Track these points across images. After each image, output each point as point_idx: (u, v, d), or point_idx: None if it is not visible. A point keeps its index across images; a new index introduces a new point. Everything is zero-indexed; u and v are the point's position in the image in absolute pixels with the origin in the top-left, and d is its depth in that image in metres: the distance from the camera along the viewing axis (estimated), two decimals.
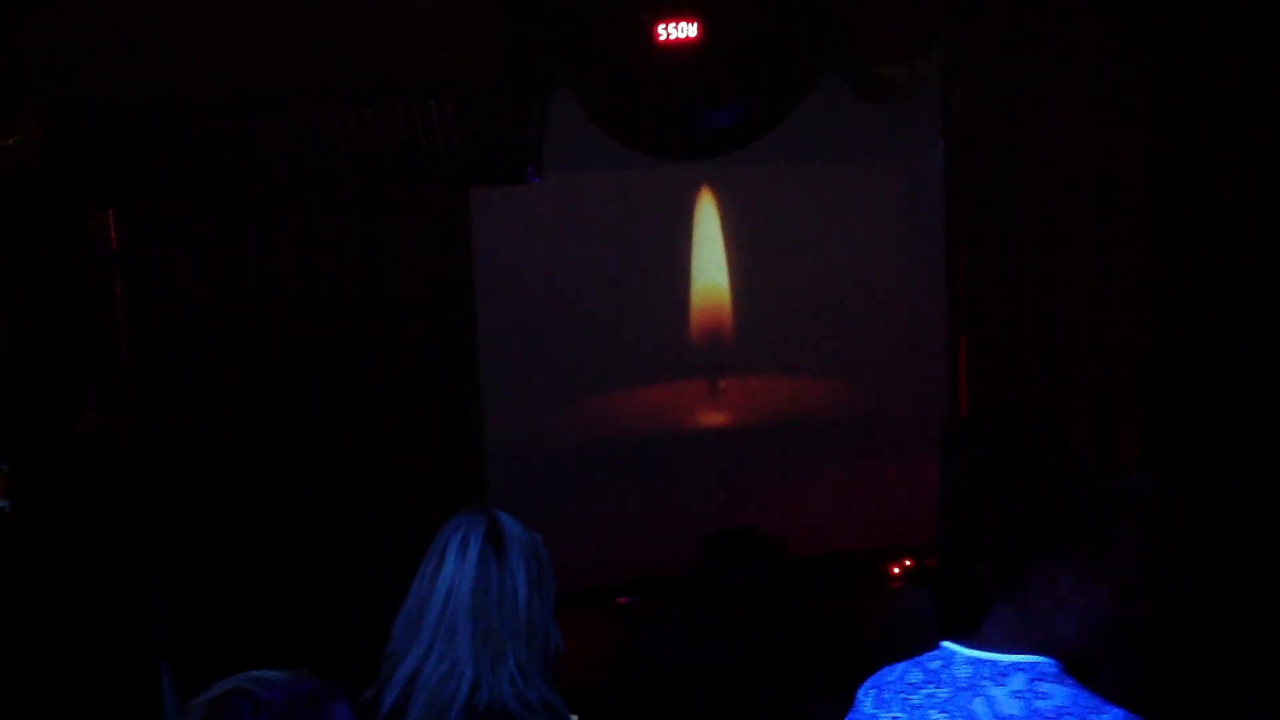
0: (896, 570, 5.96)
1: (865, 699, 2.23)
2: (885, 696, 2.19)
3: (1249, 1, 5.24)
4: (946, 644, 2.15)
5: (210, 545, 5.02)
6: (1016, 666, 2.06)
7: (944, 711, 2.09)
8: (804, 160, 5.81)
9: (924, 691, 2.13)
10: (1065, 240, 5.80)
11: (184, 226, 4.94)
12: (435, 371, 5.40)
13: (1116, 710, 1.99)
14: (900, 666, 2.21)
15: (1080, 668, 2.12)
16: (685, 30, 4.51)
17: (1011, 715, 2.02)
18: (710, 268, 5.88)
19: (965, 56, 5.51)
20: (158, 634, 4.64)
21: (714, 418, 6.08)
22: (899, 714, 2.15)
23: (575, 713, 2.55)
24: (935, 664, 2.15)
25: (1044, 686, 2.03)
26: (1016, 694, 2.03)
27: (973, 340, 6.02)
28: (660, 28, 4.51)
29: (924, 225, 6.07)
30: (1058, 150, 5.74)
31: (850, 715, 2.26)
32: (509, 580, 2.42)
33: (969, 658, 2.11)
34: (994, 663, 2.08)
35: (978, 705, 2.05)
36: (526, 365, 5.68)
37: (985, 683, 2.07)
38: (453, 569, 2.44)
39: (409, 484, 5.32)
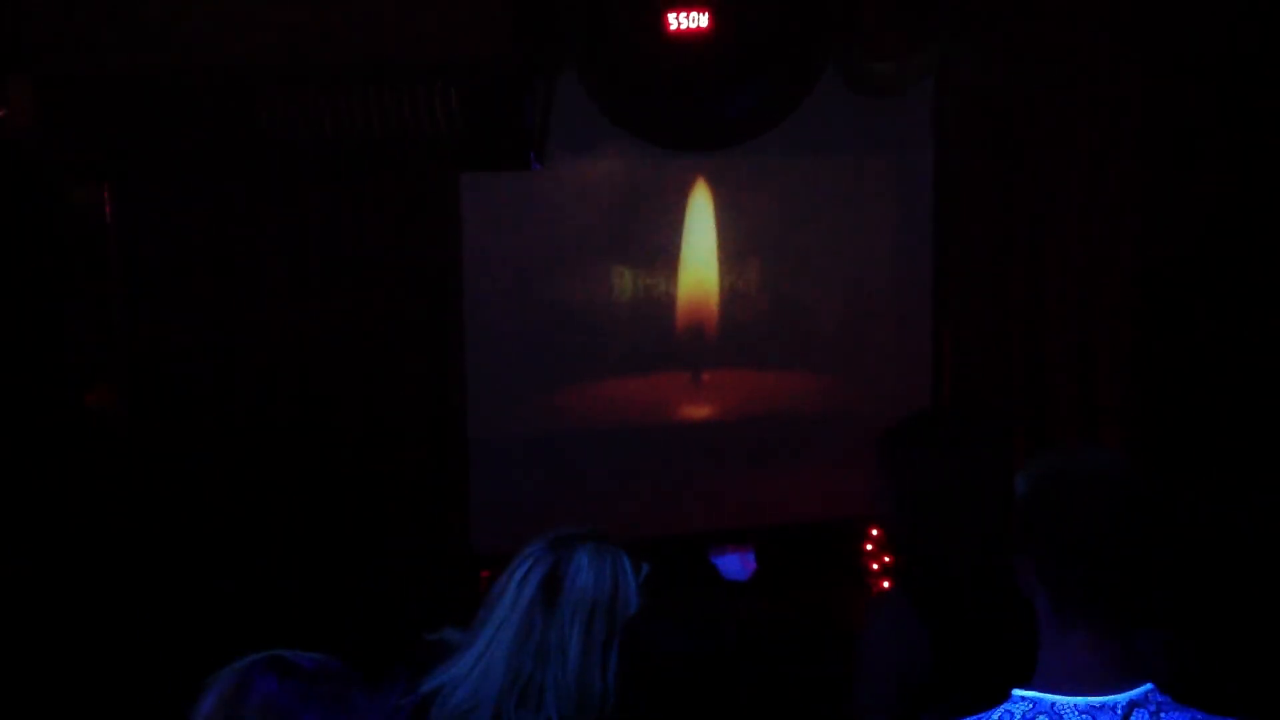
0: (876, 566, 5.99)
1: None
2: None
3: (1244, 7, 5.29)
4: (1029, 693, 1.87)
5: (197, 526, 4.96)
6: (1132, 702, 1.81)
7: None
8: (796, 154, 5.80)
9: None
10: (1053, 240, 5.84)
11: (179, 202, 4.87)
12: (421, 356, 5.36)
13: None
14: None
15: None
16: (697, 20, 4.49)
17: None
18: (698, 259, 5.87)
19: (959, 54, 5.54)
20: (149, 614, 4.60)
21: (696, 410, 6.06)
22: None
23: None
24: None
25: (1171, 717, 1.82)
26: None
27: (957, 337, 6.06)
28: (671, 17, 4.49)
29: (913, 222, 6.08)
30: (1047, 150, 5.77)
31: None
32: (555, 635, 2.30)
33: (1080, 705, 1.82)
34: (1111, 706, 1.81)
35: None
36: (510, 352, 5.64)
37: None
38: (507, 605, 2.34)
39: (390, 467, 5.29)
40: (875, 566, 5.99)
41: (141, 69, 4.32)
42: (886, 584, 5.72)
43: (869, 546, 6.02)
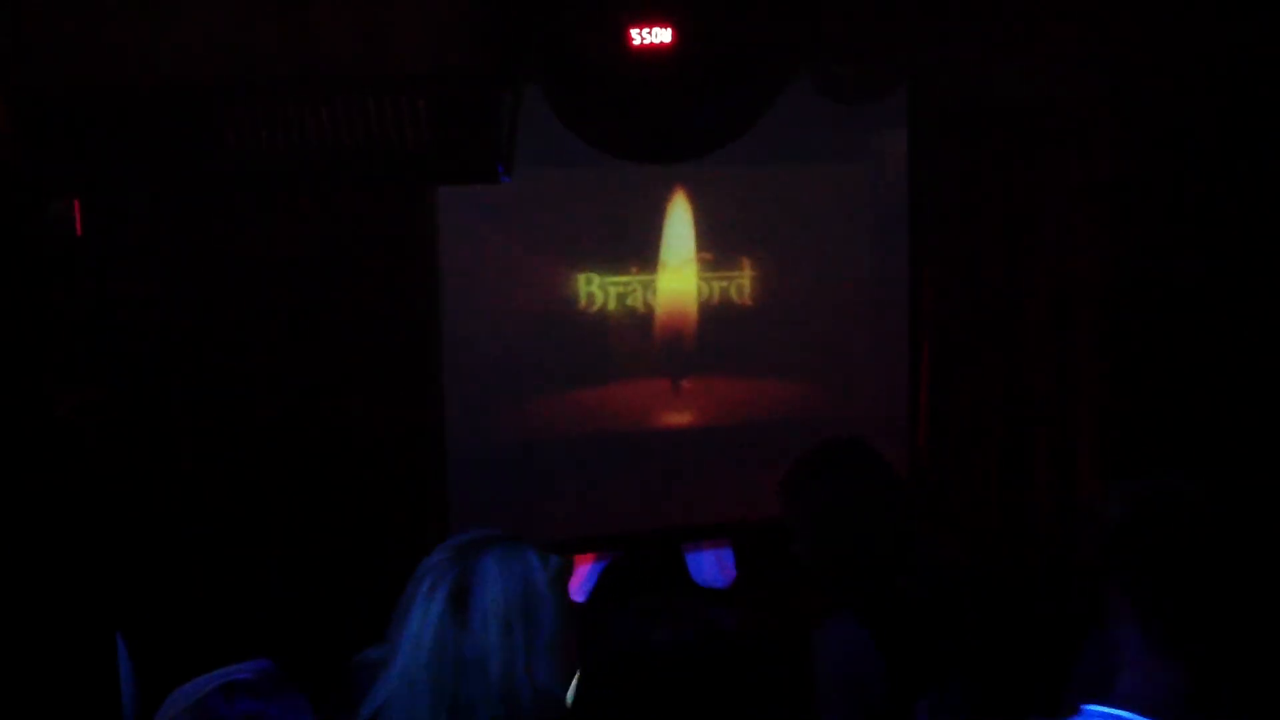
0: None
1: None
2: None
3: (1214, 10, 5.29)
4: (1107, 709, 1.84)
5: (170, 539, 4.99)
6: None
7: None
8: (773, 163, 5.84)
9: None
10: (1029, 246, 5.86)
11: (149, 216, 4.90)
12: (397, 366, 5.39)
13: None
14: None
15: None
16: (659, 35, 4.51)
17: None
18: (676, 267, 5.89)
19: (932, 61, 5.56)
20: (119, 616, 4.61)
21: (676, 417, 6.09)
22: None
23: None
24: None
25: None
26: None
27: (934, 345, 6.08)
28: (634, 32, 4.51)
29: (889, 228, 6.11)
30: (1022, 158, 5.79)
31: None
32: (471, 648, 2.25)
33: None
34: None
35: None
36: (488, 362, 5.67)
37: None
38: (418, 620, 2.29)
39: (369, 477, 5.32)
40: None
41: (109, 85, 4.34)
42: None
43: None
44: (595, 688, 2.63)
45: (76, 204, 4.66)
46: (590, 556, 6.12)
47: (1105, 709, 1.82)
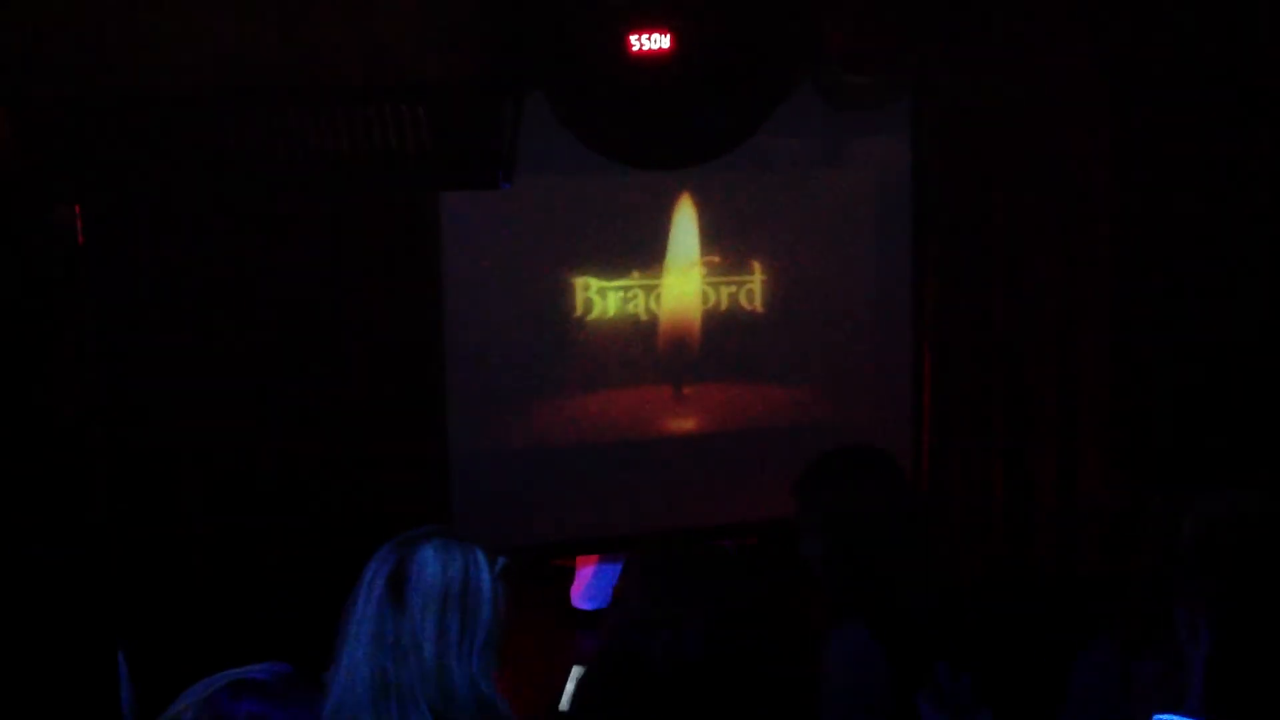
0: None
1: None
2: None
3: (1215, 10, 5.29)
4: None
5: (172, 544, 5.01)
6: None
7: None
8: (776, 169, 5.84)
9: None
10: (1032, 253, 5.85)
11: (152, 223, 4.91)
12: (401, 372, 5.40)
13: None
14: None
15: None
16: (659, 41, 4.52)
17: None
18: (680, 274, 5.89)
19: (936, 69, 5.56)
20: (116, 619, 4.61)
21: (678, 423, 6.08)
22: None
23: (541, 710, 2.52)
24: None
25: None
26: None
27: (937, 350, 6.07)
28: (634, 39, 4.52)
29: (893, 235, 6.10)
30: (1026, 164, 5.79)
31: None
32: (408, 632, 2.29)
33: None
34: None
35: None
36: (490, 367, 5.67)
37: None
38: (360, 609, 2.33)
39: (370, 484, 5.31)
40: None
41: (112, 94, 4.36)
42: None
43: None
44: (593, 691, 2.63)
45: (78, 211, 4.67)
46: (593, 559, 6.12)
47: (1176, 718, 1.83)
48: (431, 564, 2.33)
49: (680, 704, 2.57)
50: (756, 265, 5.99)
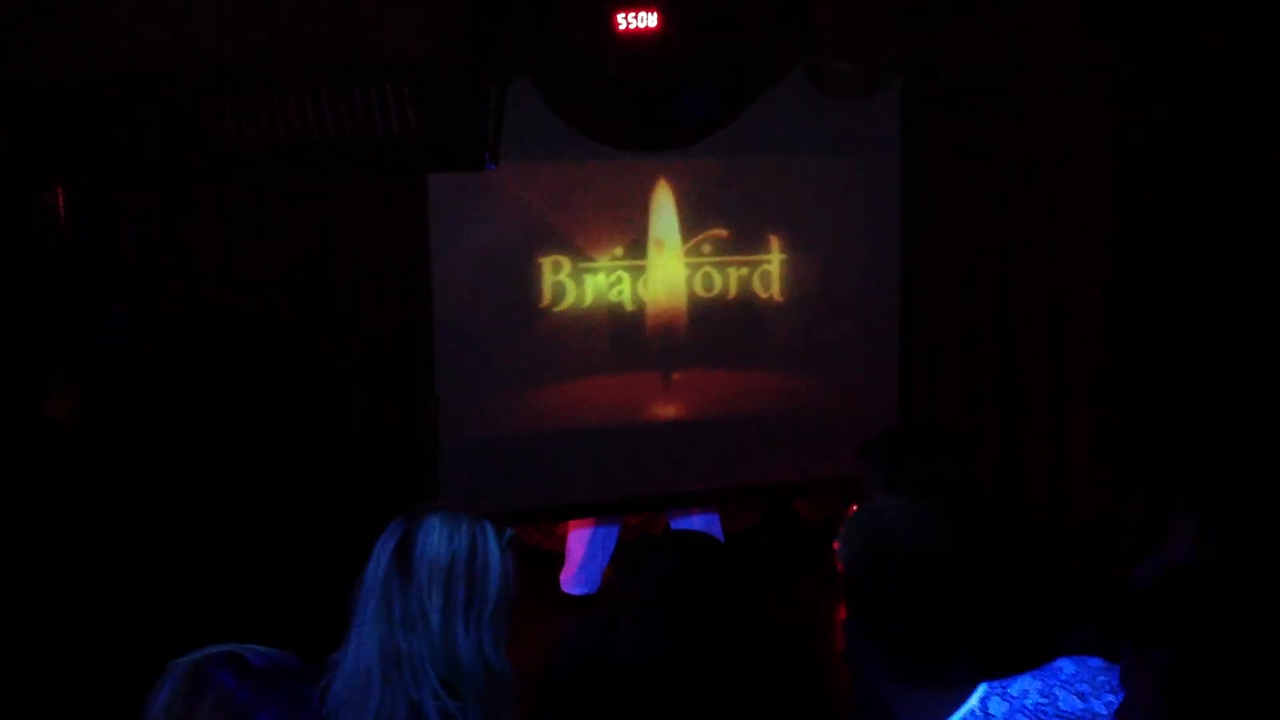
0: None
1: None
2: None
3: (1214, 7, 5.26)
4: None
5: (159, 532, 4.96)
6: None
7: None
8: (763, 154, 5.81)
9: None
10: (1022, 240, 5.82)
11: (135, 204, 4.86)
12: (390, 358, 5.36)
13: None
14: None
15: None
16: (645, 20, 4.47)
17: None
18: (667, 261, 5.86)
19: (925, 54, 5.52)
20: (109, 621, 4.59)
21: (667, 410, 6.06)
22: None
23: None
24: None
25: None
26: None
27: (927, 338, 6.05)
28: (620, 17, 4.48)
29: (882, 222, 6.08)
30: (1015, 150, 5.76)
31: None
32: (415, 602, 2.29)
33: None
34: None
35: None
36: (480, 354, 5.64)
37: None
38: (369, 582, 2.33)
39: (362, 470, 5.28)
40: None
41: (92, 72, 4.31)
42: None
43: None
44: (553, 691, 2.60)
45: (60, 194, 4.62)
46: (589, 522, 6.08)
47: None
48: (438, 535, 2.32)
49: (642, 694, 2.54)
50: (745, 252, 5.97)
